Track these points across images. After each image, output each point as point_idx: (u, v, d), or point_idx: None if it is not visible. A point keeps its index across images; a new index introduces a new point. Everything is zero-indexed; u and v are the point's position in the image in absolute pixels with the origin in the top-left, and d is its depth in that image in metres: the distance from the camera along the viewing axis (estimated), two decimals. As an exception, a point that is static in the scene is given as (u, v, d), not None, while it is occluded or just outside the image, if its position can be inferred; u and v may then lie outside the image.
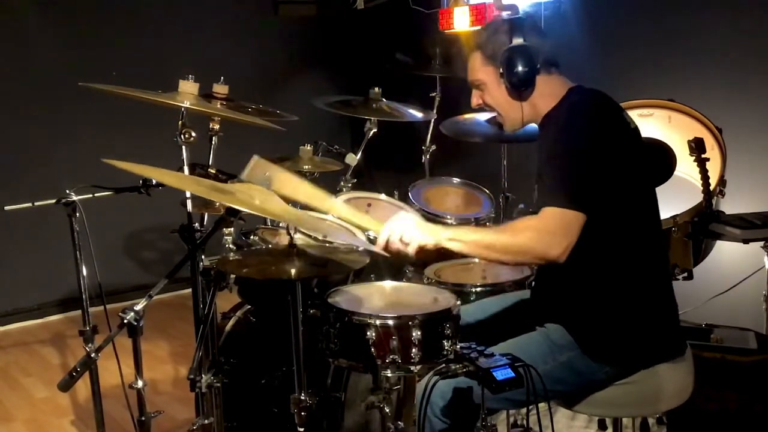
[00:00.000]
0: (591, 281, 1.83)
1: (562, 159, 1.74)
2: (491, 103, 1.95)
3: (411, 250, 1.76)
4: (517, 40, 1.86)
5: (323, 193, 1.96)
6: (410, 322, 1.77)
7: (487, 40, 1.92)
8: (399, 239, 1.76)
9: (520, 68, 1.84)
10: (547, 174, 1.76)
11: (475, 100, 1.99)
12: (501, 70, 1.87)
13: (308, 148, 2.80)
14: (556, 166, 1.74)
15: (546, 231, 1.68)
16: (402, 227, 1.77)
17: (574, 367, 1.79)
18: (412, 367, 1.79)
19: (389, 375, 1.82)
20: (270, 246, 2.40)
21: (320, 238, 2.27)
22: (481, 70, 1.93)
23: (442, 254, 1.87)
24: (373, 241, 2.47)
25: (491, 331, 1.96)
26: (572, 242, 1.68)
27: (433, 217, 2.83)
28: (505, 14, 1.94)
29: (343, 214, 1.99)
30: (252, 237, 2.47)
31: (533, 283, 2.26)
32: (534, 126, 1.97)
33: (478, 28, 2.04)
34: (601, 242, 1.78)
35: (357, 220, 1.99)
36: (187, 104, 1.97)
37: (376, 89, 3.04)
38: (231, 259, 2.14)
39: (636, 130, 1.87)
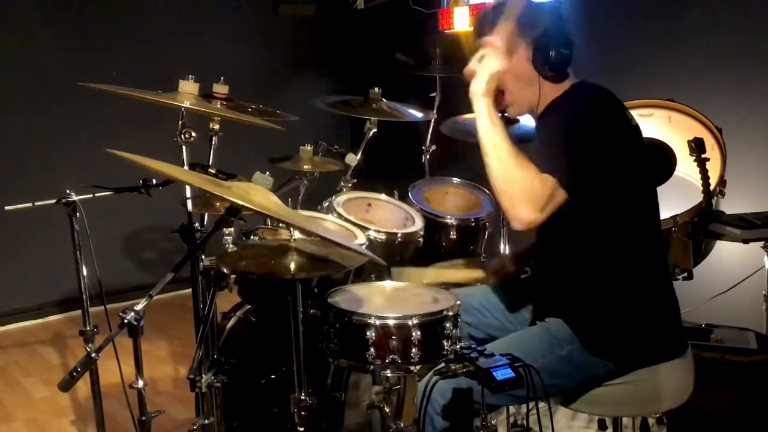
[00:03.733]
0: (591, 276, 1.84)
1: (559, 147, 1.71)
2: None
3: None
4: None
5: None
6: (410, 322, 1.78)
7: (524, 9, 1.84)
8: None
9: (562, 49, 1.79)
10: (542, 157, 1.72)
11: None
12: (535, 45, 1.81)
13: (308, 148, 2.80)
14: (552, 154, 1.70)
15: (534, 190, 1.65)
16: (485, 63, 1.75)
17: (573, 361, 1.80)
18: (412, 367, 1.80)
19: (389, 375, 1.82)
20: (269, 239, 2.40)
21: (318, 238, 2.27)
22: (509, 40, 1.83)
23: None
24: (373, 242, 2.48)
25: (491, 327, 1.95)
26: (542, 218, 1.64)
27: (433, 218, 2.83)
28: None
29: None
30: (252, 237, 2.47)
31: (528, 273, 2.26)
32: (532, 126, 1.96)
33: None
34: (602, 238, 1.79)
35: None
36: (187, 104, 1.97)
37: (376, 89, 3.04)
38: (229, 251, 2.13)
39: (637, 127, 1.87)
